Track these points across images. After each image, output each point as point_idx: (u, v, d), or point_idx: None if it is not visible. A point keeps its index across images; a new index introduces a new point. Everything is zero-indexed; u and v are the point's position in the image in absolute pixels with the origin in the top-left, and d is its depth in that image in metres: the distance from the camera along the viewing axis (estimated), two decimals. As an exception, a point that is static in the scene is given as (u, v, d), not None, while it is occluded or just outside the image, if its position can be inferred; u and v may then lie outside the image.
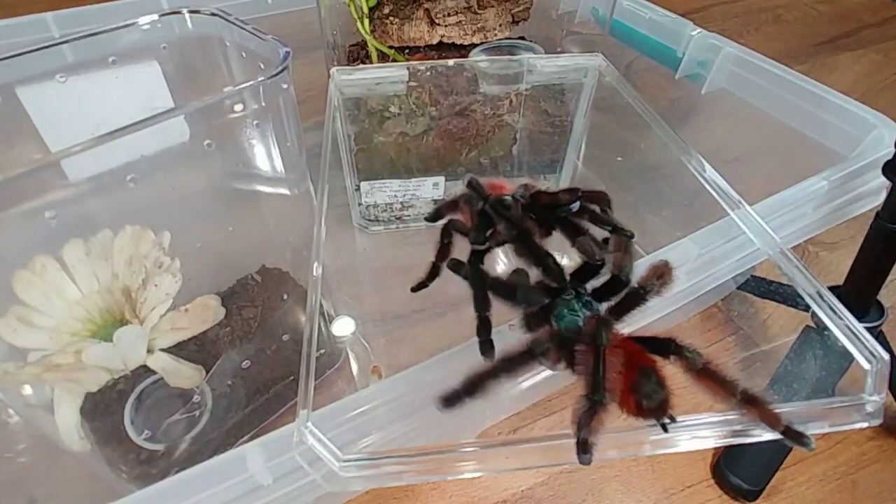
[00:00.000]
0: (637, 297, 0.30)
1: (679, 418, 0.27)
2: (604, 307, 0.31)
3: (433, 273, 0.36)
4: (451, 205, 0.38)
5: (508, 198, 0.36)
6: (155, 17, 0.42)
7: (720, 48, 0.57)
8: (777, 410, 0.26)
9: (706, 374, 0.27)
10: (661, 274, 0.30)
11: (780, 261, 0.34)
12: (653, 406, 0.26)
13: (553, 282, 0.31)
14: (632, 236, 0.33)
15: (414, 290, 0.37)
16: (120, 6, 0.64)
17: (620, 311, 0.31)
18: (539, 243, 0.31)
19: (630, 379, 0.27)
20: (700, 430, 0.27)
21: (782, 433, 0.26)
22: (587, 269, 0.32)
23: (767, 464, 0.44)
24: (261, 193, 0.44)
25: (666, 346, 0.28)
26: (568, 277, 0.32)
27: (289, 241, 0.49)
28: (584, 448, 0.25)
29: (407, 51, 0.58)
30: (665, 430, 0.26)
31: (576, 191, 0.34)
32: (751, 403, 0.26)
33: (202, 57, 0.45)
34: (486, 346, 0.30)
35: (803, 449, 0.26)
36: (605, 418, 0.26)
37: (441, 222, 0.42)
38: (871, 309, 0.45)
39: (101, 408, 0.40)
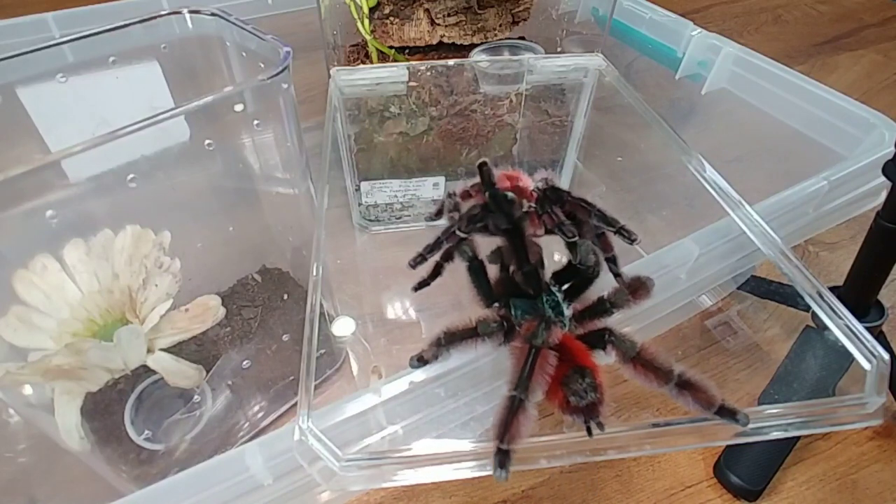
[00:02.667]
0: (602, 309, 0.30)
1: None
2: (569, 311, 0.31)
3: (435, 272, 0.36)
4: (461, 196, 0.39)
5: (511, 194, 0.37)
6: (155, 17, 0.42)
7: (720, 48, 0.57)
8: (711, 392, 0.26)
9: (641, 363, 0.27)
10: (637, 290, 0.30)
11: (780, 261, 0.34)
12: (579, 405, 0.26)
13: (529, 288, 0.31)
14: (635, 240, 0.34)
15: (415, 288, 0.37)
16: (120, 6, 0.64)
17: (582, 318, 0.31)
18: (529, 242, 0.32)
19: (563, 373, 0.27)
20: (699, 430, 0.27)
21: (716, 413, 0.26)
22: (572, 273, 0.32)
23: (768, 464, 0.44)
24: (261, 193, 0.44)
25: (601, 335, 0.28)
26: (549, 275, 0.32)
27: (289, 241, 0.49)
28: (501, 461, 0.25)
29: (407, 51, 0.58)
30: (589, 433, 0.26)
31: (592, 210, 0.35)
32: (686, 387, 0.26)
33: (202, 57, 0.45)
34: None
35: (736, 426, 0.26)
36: (526, 422, 0.25)
37: (441, 221, 0.42)
38: (872, 309, 0.45)
39: (102, 408, 0.40)
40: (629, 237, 0.34)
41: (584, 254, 0.31)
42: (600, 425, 0.26)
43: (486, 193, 0.34)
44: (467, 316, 0.31)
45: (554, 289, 0.32)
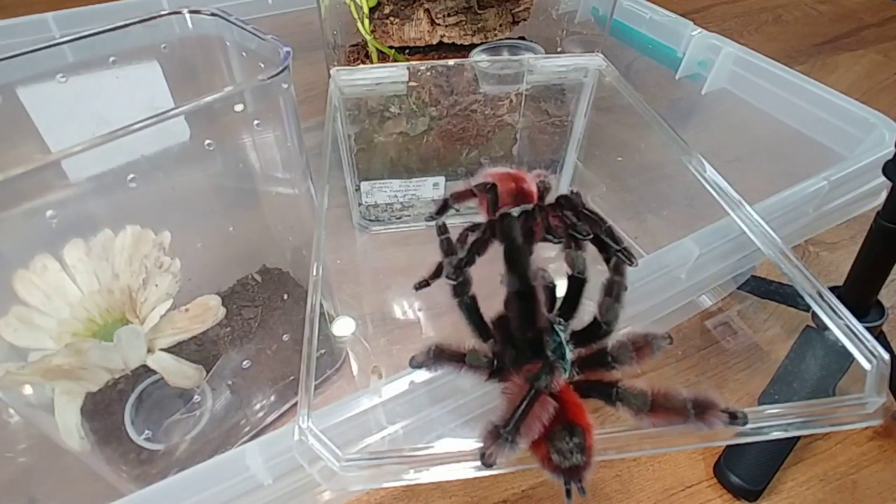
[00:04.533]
0: (604, 362, 0.28)
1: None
2: (572, 354, 0.29)
3: (437, 272, 0.36)
4: (462, 195, 0.39)
5: (516, 211, 0.37)
6: (155, 17, 0.42)
7: (720, 48, 0.57)
8: (718, 401, 0.25)
9: (656, 410, 0.25)
10: (641, 348, 0.28)
11: (780, 261, 0.34)
12: (563, 466, 0.25)
13: (532, 330, 0.29)
14: (633, 264, 0.33)
15: (417, 287, 0.37)
16: (120, 6, 0.64)
17: (584, 366, 0.29)
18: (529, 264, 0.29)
19: (552, 427, 0.25)
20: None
21: (726, 416, 0.25)
22: (574, 304, 0.31)
23: (768, 464, 0.44)
24: (261, 193, 0.44)
25: (608, 392, 0.26)
26: (558, 304, 0.31)
27: (289, 241, 0.49)
28: (487, 465, 0.24)
29: (407, 51, 0.58)
30: (568, 495, 0.25)
31: (603, 225, 0.35)
32: (704, 409, 0.25)
33: (202, 57, 0.45)
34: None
35: (737, 426, 0.25)
36: (511, 456, 0.24)
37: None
38: (872, 309, 0.45)
39: (102, 408, 0.40)
40: (628, 259, 0.34)
41: (581, 265, 0.30)
42: (582, 490, 0.25)
43: (505, 249, 0.31)
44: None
45: (559, 328, 0.29)
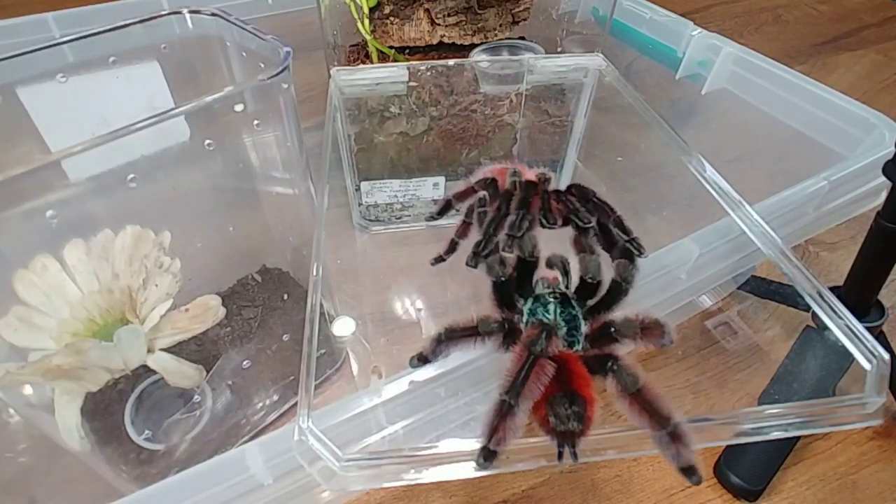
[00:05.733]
0: (608, 334, 0.29)
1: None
2: (586, 327, 0.30)
3: (451, 248, 0.38)
4: (463, 193, 0.40)
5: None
6: (155, 17, 0.42)
7: (720, 48, 0.57)
8: (691, 448, 0.24)
9: (639, 401, 0.25)
10: (647, 328, 0.28)
11: (780, 261, 0.34)
12: (558, 429, 0.25)
13: (548, 297, 0.30)
14: (642, 254, 0.34)
15: (434, 262, 0.39)
16: (120, 6, 0.64)
17: (594, 340, 0.30)
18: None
19: (552, 392, 0.26)
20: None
21: (681, 469, 0.25)
22: (596, 289, 0.32)
23: (768, 464, 0.44)
24: (261, 193, 0.44)
25: (605, 362, 0.27)
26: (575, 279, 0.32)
27: (289, 241, 0.49)
28: (486, 457, 0.25)
29: (407, 51, 0.58)
30: (559, 457, 0.25)
31: (613, 216, 0.36)
32: (677, 441, 0.24)
33: (202, 57, 0.45)
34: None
35: (689, 482, 0.25)
36: (514, 427, 0.25)
37: (439, 222, 0.43)
38: (872, 309, 0.45)
39: (102, 408, 0.40)
40: (638, 249, 0.35)
41: (594, 270, 0.31)
42: (574, 455, 0.25)
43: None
44: (467, 314, 0.31)
45: (577, 304, 0.31)
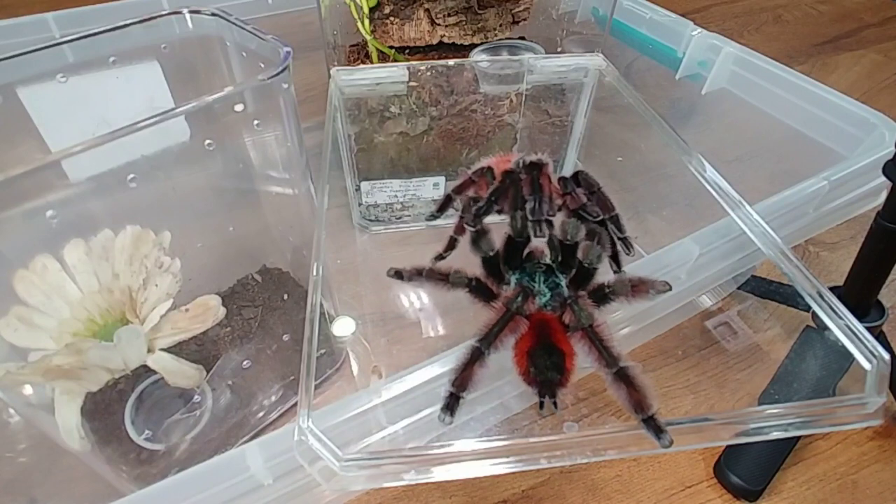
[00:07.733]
0: (601, 295, 0.31)
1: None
2: (567, 291, 0.32)
3: (451, 245, 0.39)
4: (462, 186, 0.40)
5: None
6: (155, 17, 0.42)
7: (720, 48, 0.57)
8: (648, 399, 0.25)
9: (590, 336, 0.27)
10: (638, 286, 0.30)
11: (780, 261, 0.34)
12: (538, 378, 0.27)
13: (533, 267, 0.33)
14: (630, 253, 0.36)
15: (435, 260, 0.39)
16: (120, 6, 0.64)
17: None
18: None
19: (535, 346, 0.28)
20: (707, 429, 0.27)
21: (643, 421, 0.25)
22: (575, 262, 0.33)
23: (768, 464, 0.44)
24: (261, 193, 0.44)
25: (569, 298, 0.29)
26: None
27: (289, 241, 0.49)
28: (449, 405, 0.26)
29: (407, 51, 0.58)
30: (541, 406, 0.27)
31: (612, 212, 0.36)
32: (624, 381, 0.26)
33: (202, 57, 0.45)
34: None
35: (657, 443, 0.25)
36: (481, 374, 0.27)
37: (439, 222, 0.43)
38: (872, 309, 0.45)
39: (102, 407, 0.40)
40: (627, 249, 0.36)
41: (572, 232, 0.32)
42: (555, 405, 0.27)
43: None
44: (467, 315, 0.32)
45: (562, 274, 0.32)
